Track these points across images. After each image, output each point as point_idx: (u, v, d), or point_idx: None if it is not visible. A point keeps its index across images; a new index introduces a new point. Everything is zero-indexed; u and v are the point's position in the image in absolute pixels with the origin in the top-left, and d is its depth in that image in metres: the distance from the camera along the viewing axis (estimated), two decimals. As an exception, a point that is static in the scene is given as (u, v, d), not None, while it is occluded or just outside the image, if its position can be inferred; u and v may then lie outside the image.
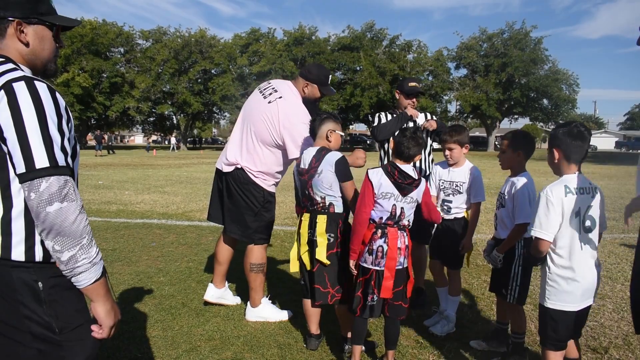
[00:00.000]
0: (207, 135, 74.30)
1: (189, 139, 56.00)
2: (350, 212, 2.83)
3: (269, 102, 3.32)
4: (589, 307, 2.23)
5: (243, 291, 3.90)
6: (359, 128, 66.64)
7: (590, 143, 2.24)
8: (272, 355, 2.92)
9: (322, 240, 2.81)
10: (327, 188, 2.79)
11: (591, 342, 3.13)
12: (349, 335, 2.82)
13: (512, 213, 2.73)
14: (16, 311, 1.32)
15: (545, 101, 43.02)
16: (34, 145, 1.24)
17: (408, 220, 2.64)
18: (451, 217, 3.23)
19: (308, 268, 2.90)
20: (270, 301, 3.56)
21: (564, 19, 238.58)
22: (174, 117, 49.86)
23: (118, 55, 44.77)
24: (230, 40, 46.72)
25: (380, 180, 2.56)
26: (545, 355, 2.20)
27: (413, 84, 3.88)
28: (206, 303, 3.67)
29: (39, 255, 1.34)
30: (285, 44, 43.84)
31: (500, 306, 3.02)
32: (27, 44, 1.41)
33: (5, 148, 1.26)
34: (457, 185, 3.19)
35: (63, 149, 1.31)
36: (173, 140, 45.20)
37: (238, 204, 3.41)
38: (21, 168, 1.24)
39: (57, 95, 1.33)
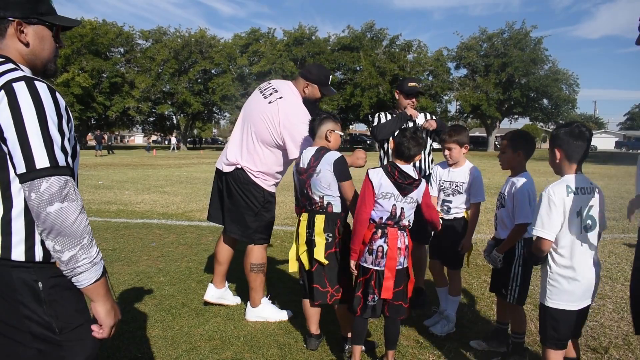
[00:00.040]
0: (207, 136, 74.31)
1: (189, 139, 56.01)
2: (350, 213, 2.84)
3: (270, 102, 3.32)
4: (588, 306, 2.24)
5: (243, 291, 3.90)
6: (359, 128, 66.68)
7: (591, 143, 2.25)
8: (272, 355, 2.92)
9: (320, 240, 2.81)
10: (326, 188, 2.79)
11: (591, 342, 3.13)
12: (349, 335, 2.82)
13: (512, 213, 2.73)
14: (16, 311, 1.32)
15: (545, 101, 43.00)
16: (35, 146, 1.24)
17: (408, 221, 2.64)
18: (451, 217, 3.23)
19: (307, 268, 2.90)
20: (270, 301, 3.56)
21: (564, 19, 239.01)
22: (174, 117, 49.86)
23: (118, 55, 44.76)
24: (230, 40, 46.71)
25: (381, 180, 2.56)
26: (546, 355, 2.21)
27: (412, 84, 3.88)
28: (206, 303, 3.67)
29: (39, 255, 1.34)
30: (285, 44, 43.82)
31: (500, 306, 3.02)
32: (27, 44, 1.41)
33: (5, 148, 1.26)
34: (457, 186, 3.19)
35: (63, 149, 1.31)
36: (173, 140, 45.17)
37: (238, 204, 3.41)
38: (22, 168, 1.24)
39: (57, 95, 1.33)
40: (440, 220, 3.15)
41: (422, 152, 3.49)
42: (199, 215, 7.77)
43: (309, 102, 3.43)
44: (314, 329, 3.02)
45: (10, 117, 1.24)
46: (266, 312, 3.46)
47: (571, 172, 2.14)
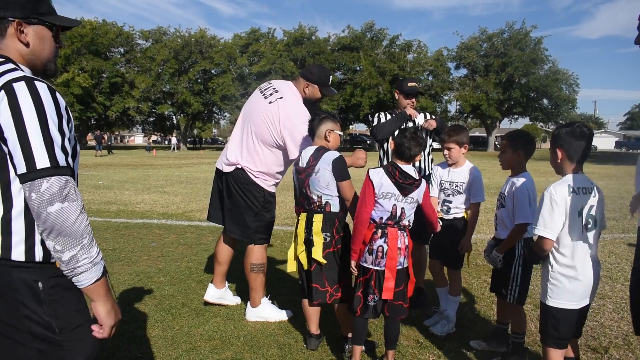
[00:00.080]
0: (207, 136, 74.31)
1: (189, 139, 56.01)
2: (349, 213, 2.84)
3: (270, 103, 3.32)
4: (588, 306, 2.25)
5: (243, 291, 3.90)
6: (359, 128, 66.69)
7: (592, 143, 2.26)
8: (272, 355, 2.92)
9: (318, 239, 2.81)
10: (324, 187, 2.79)
11: (591, 342, 3.13)
12: (349, 335, 2.82)
13: (512, 213, 2.73)
14: (16, 311, 1.32)
15: (545, 101, 42.98)
16: (35, 146, 1.24)
17: (408, 221, 2.64)
18: (451, 217, 3.23)
19: (305, 267, 2.91)
20: (270, 301, 3.56)
21: (564, 19, 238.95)
22: (174, 117, 49.85)
23: (118, 55, 44.76)
24: (230, 40, 46.71)
25: (381, 180, 2.56)
26: (547, 354, 2.22)
27: (412, 84, 3.88)
28: (206, 303, 3.67)
29: (39, 255, 1.34)
30: (285, 44, 43.81)
31: (501, 306, 3.02)
32: (27, 44, 1.41)
33: (5, 148, 1.26)
34: (457, 186, 3.19)
35: (64, 149, 1.31)
36: (174, 140, 45.17)
37: (238, 204, 3.41)
38: (22, 168, 1.24)
39: (58, 95, 1.33)
40: (440, 220, 3.16)
41: (422, 152, 3.50)
42: (199, 215, 7.77)
43: (309, 103, 3.43)
44: (314, 329, 3.02)
45: (11, 117, 1.24)
46: (266, 312, 3.46)
47: (572, 172, 2.15)
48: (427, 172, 3.85)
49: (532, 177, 2.75)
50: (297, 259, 2.97)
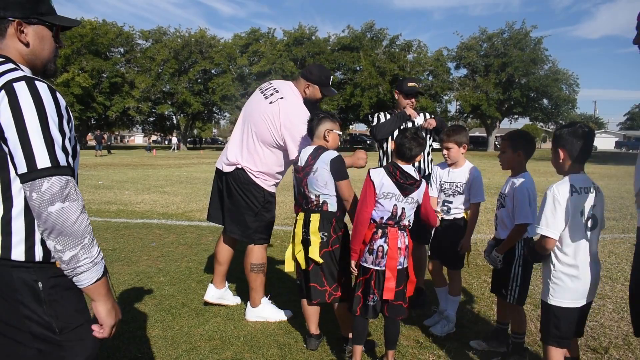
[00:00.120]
0: (207, 135, 74.29)
1: (189, 139, 55.99)
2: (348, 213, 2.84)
3: (270, 103, 3.33)
4: (589, 305, 2.26)
5: (243, 291, 3.90)
6: (359, 128, 66.67)
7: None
8: (272, 355, 2.92)
9: (315, 239, 2.81)
10: (322, 186, 2.79)
11: (591, 342, 3.13)
12: (350, 335, 2.82)
13: (512, 213, 2.73)
14: (16, 311, 1.32)
15: (545, 101, 42.98)
16: (36, 146, 1.24)
17: (408, 221, 2.65)
18: (451, 217, 3.23)
19: (303, 267, 2.91)
20: (270, 301, 3.56)
21: (564, 19, 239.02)
22: (174, 117, 49.84)
23: (118, 55, 44.74)
24: (230, 40, 46.69)
25: (382, 180, 2.56)
26: (548, 353, 2.22)
27: (412, 84, 3.88)
28: (206, 303, 3.67)
29: (39, 255, 1.34)
30: (285, 44, 43.80)
31: (501, 306, 3.02)
32: (27, 44, 1.41)
33: (6, 148, 1.26)
34: (457, 186, 3.19)
35: (64, 148, 1.31)
36: (174, 140, 45.15)
37: (238, 204, 3.41)
38: (23, 168, 1.24)
39: (58, 95, 1.33)
40: (440, 221, 3.16)
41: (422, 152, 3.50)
42: (199, 215, 7.77)
43: (309, 103, 3.43)
44: (314, 329, 3.02)
45: (11, 117, 1.24)
46: (266, 312, 3.46)
47: (574, 172, 2.17)
48: (427, 172, 3.85)
49: (532, 177, 2.75)
50: (294, 258, 2.97)
